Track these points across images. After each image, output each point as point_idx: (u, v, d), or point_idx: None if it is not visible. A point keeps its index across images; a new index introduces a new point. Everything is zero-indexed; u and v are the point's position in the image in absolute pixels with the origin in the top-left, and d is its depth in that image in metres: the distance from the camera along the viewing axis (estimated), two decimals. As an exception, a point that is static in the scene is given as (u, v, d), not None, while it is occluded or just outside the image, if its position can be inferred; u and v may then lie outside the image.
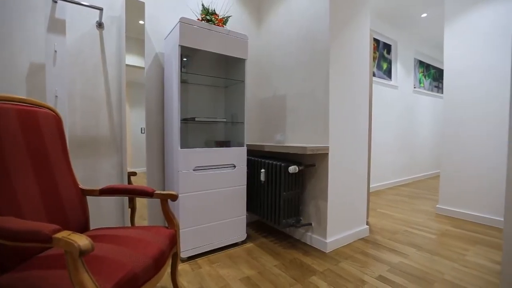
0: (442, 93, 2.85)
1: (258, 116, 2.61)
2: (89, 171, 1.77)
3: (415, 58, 4.89)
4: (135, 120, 3.42)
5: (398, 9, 3.80)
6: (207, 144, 2.18)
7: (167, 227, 1.26)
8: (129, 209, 1.96)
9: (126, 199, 1.88)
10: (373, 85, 3.94)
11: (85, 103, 1.75)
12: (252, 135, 2.58)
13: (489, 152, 2.49)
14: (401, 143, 4.55)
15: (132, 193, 1.30)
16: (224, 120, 2.22)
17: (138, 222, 2.12)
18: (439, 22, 4.18)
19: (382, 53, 4.25)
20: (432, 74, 5.49)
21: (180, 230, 1.70)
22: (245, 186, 2.01)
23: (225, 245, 1.93)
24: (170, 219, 1.28)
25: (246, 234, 2.04)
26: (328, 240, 1.91)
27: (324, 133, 1.90)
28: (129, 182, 1.97)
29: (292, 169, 1.85)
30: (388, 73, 4.35)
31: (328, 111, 1.87)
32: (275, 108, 2.39)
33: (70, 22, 1.67)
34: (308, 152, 1.72)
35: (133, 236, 1.09)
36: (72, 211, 1.19)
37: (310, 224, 2.02)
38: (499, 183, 2.42)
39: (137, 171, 2.13)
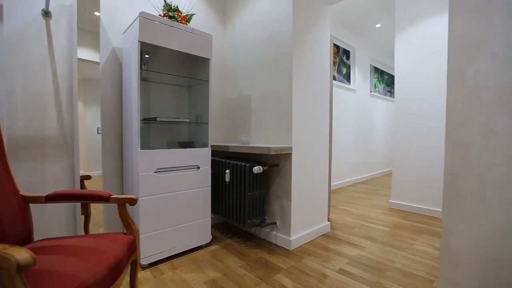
0: (394, 97, 3.11)
1: (223, 116, 2.59)
2: (34, 176, 1.59)
3: (371, 65, 5.27)
4: (91, 119, 3.17)
5: (356, 18, 4.06)
6: (170, 145, 2.10)
7: (125, 233, 1.19)
8: (82, 216, 1.81)
9: (78, 205, 1.73)
10: (334, 88, 4.16)
11: (28, 100, 1.57)
12: (217, 136, 2.55)
13: (433, 151, 2.78)
14: (359, 143, 4.87)
15: (85, 199, 1.20)
16: (188, 120, 2.16)
17: (93, 229, 1.97)
18: (391, 33, 4.56)
19: (342, 58, 4.50)
20: (386, 80, 5.97)
21: (140, 236, 1.61)
22: (210, 188, 1.98)
23: (189, 248, 1.88)
24: (128, 225, 1.21)
25: (211, 236, 2.01)
26: (292, 237, 1.96)
27: (287, 133, 1.96)
28: (82, 186, 1.81)
29: (257, 169, 1.87)
30: (347, 77, 4.63)
31: (291, 112, 1.93)
32: (240, 108, 2.40)
33: (10, 7, 1.49)
34: (272, 153, 1.75)
35: (86, 245, 1.01)
36: (11, 221, 1.06)
37: (275, 223, 2.06)
38: (440, 179, 2.72)
39: (92, 175, 1.98)
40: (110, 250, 1.00)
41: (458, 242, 1.20)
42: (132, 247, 1.14)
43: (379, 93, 5.62)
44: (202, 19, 2.40)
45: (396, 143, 3.08)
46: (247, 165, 1.91)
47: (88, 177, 1.87)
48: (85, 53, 2.03)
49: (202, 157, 1.92)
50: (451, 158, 1.21)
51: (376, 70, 5.53)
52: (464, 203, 1.18)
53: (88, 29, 1.87)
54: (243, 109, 2.36)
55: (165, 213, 1.73)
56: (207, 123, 2.00)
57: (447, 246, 1.23)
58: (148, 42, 1.62)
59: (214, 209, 2.27)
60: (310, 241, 2.11)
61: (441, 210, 2.69)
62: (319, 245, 2.04)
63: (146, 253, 1.65)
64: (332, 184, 4.14)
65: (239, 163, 1.99)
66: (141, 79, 1.81)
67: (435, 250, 1.95)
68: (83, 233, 1.84)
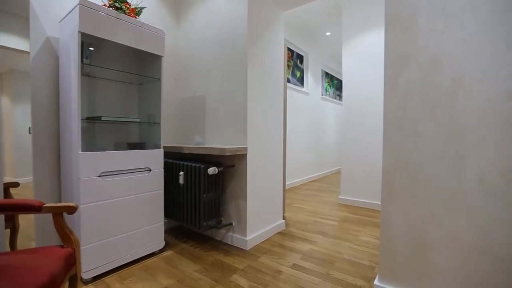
0: (342, 100, 3.36)
1: (177, 117, 2.49)
2: None
3: (322, 70, 5.62)
4: (21, 117, 2.77)
5: (308, 25, 4.29)
6: (118, 147, 1.95)
7: (62, 246, 1.06)
8: (8, 230, 1.57)
9: (2, 217, 1.50)
10: (288, 91, 4.32)
11: None
12: (171, 137, 2.45)
13: (376, 151, 3.07)
14: (312, 143, 5.15)
15: (9, 209, 1.04)
16: (138, 120, 2.03)
17: (24, 245, 1.73)
18: (339, 41, 4.92)
19: (296, 62, 4.71)
20: (335, 84, 6.43)
21: (82, 247, 1.46)
22: (163, 191, 1.89)
23: (140, 256, 1.76)
24: (66, 236, 1.08)
25: (164, 242, 1.92)
26: (248, 237, 1.98)
27: (242, 134, 1.97)
28: (8, 195, 1.57)
29: (212, 170, 1.85)
30: (301, 81, 4.86)
31: (246, 113, 1.95)
32: (194, 109, 2.34)
33: None
34: (227, 153, 1.75)
35: (12, 264, 0.88)
36: None
37: (231, 224, 2.06)
38: (381, 175, 3.02)
39: (23, 181, 1.73)
40: (42, 267, 0.88)
41: (393, 230, 1.34)
42: (71, 261, 1.03)
43: (329, 96, 6.02)
44: (153, 13, 2.28)
45: (344, 143, 3.34)
46: (202, 166, 1.87)
47: (16, 184, 1.63)
48: (11, 41, 1.77)
49: (154, 159, 1.82)
50: (387, 157, 1.35)
51: (327, 75, 5.91)
52: (397, 196, 1.32)
53: (14, 12, 1.63)
54: (198, 110, 2.31)
55: (111, 221, 1.59)
56: (159, 123, 1.91)
57: (385, 234, 1.37)
58: (90, 33, 1.48)
59: (168, 213, 2.17)
60: (266, 240, 2.16)
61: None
62: (274, 243, 2.10)
63: (89, 266, 1.50)
64: (287, 183, 4.30)
65: (193, 164, 1.94)
66: (82, 74, 1.64)
67: (376, 239, 2.16)
68: (9, 250, 1.59)
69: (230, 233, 2.07)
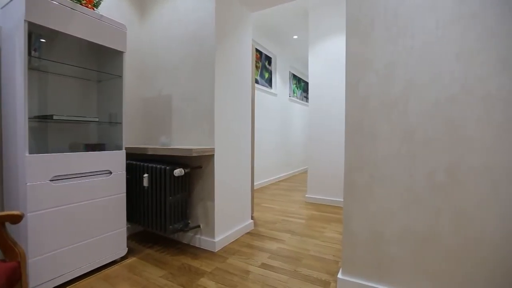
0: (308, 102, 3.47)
1: (141, 116, 2.38)
2: None
3: (290, 72, 5.76)
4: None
5: (276, 28, 4.36)
6: (73, 148, 1.80)
7: (4, 261, 0.95)
8: None
9: None
10: (257, 92, 4.36)
11: None
12: (135, 138, 2.32)
13: (340, 150, 3.22)
14: (280, 143, 5.25)
15: None
16: (97, 119, 1.89)
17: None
18: (306, 44, 5.09)
19: (265, 63, 4.77)
20: (302, 86, 6.63)
21: (31, 260, 1.32)
22: (125, 194, 1.79)
23: (100, 265, 1.65)
24: (9, 249, 0.97)
25: (126, 249, 1.81)
26: (217, 239, 1.96)
27: (210, 135, 1.94)
28: None
29: (178, 172, 1.79)
30: (269, 82, 4.93)
31: (213, 113, 1.93)
32: (160, 108, 2.25)
33: None
34: (194, 154, 1.71)
35: None
36: None
37: (199, 226, 2.01)
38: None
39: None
40: (-22, 284, 0.78)
41: (354, 225, 1.42)
42: (15, 276, 0.92)
43: (297, 98, 6.20)
44: (114, 7, 2.15)
45: (310, 143, 3.45)
46: (168, 168, 1.81)
47: None
48: None
49: (115, 160, 1.71)
50: (348, 156, 1.42)
51: (294, 77, 6.08)
52: (358, 192, 1.40)
53: None
54: (163, 109, 2.22)
55: (66, 229, 1.46)
56: (121, 123, 1.80)
57: (347, 229, 1.44)
58: (39, 23, 1.34)
59: (131, 218, 2.06)
60: (234, 241, 2.15)
61: (345, 200, 3.16)
62: (243, 244, 2.10)
63: (40, 280, 1.36)
64: (256, 183, 4.33)
65: (158, 166, 1.86)
66: (30, 68, 1.49)
67: (340, 235, 2.27)
68: None
69: (198, 236, 2.03)
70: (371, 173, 1.36)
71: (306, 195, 3.50)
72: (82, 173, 1.54)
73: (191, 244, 2.07)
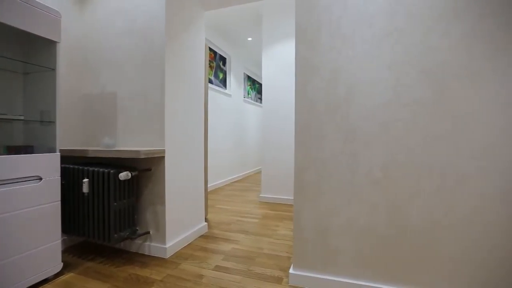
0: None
1: (81, 115, 2.14)
2: None
3: (244, 73, 5.82)
4: None
5: (231, 29, 4.36)
6: (-9, 151, 1.53)
7: None
8: None
9: None
10: (211, 92, 4.30)
11: None
12: (73, 139, 2.08)
13: (292, 150, 3.37)
14: (235, 144, 5.26)
15: None
16: (22, 117, 1.65)
17: None
18: (260, 47, 5.20)
19: (219, 64, 4.73)
20: (257, 88, 6.76)
21: None
22: (59, 203, 1.58)
23: (28, 286, 1.43)
24: None
25: (61, 264, 1.61)
26: (168, 245, 1.87)
27: (160, 135, 1.85)
28: None
29: (124, 175, 1.66)
30: (223, 83, 4.90)
31: (163, 113, 1.84)
32: (103, 107, 2.06)
33: None
34: (142, 156, 1.60)
35: None
36: None
37: (148, 233, 1.90)
38: (296, 172, 3.34)
39: None
40: None
41: (304, 221, 1.50)
42: None
43: (251, 99, 6.29)
44: (46, -9, 1.89)
45: (264, 143, 3.53)
46: (112, 171, 1.66)
47: None
48: None
49: (46, 165, 1.51)
50: (298, 155, 1.50)
51: (249, 78, 6.16)
52: (307, 190, 1.48)
53: None
54: (107, 108, 2.04)
55: (-21, 246, 1.24)
56: (54, 122, 1.59)
57: (297, 225, 1.51)
58: None
59: (68, 229, 1.84)
60: (187, 245, 2.08)
61: (296, 198, 3.31)
62: (196, 247, 2.04)
63: None
64: (210, 184, 4.26)
65: (101, 169, 1.70)
66: None
67: (292, 232, 2.37)
68: None
69: (148, 243, 1.91)
70: (318, 172, 1.45)
71: (260, 195, 3.57)
72: (2, 180, 1.32)
73: (139, 252, 1.93)
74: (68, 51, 2.03)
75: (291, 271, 1.52)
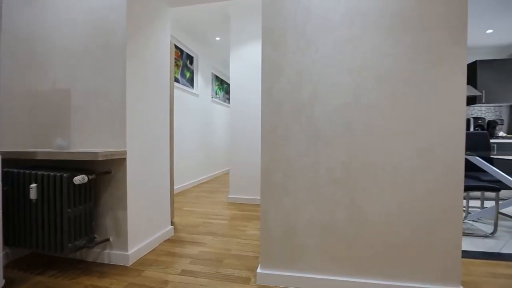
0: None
1: (27, 114, 1.93)
2: None
3: (212, 73, 5.74)
4: None
5: (199, 28, 4.27)
6: None
7: None
8: None
9: None
10: (178, 91, 4.17)
11: None
12: (18, 140, 1.86)
13: (259, 150, 3.40)
14: (203, 145, 5.17)
15: None
16: (-46, 115, 1.44)
17: None
18: (228, 47, 5.17)
19: (186, 62, 4.60)
20: (225, 88, 6.71)
21: None
22: (0, 211, 1.41)
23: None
24: None
25: (3, 280, 1.44)
26: (130, 251, 1.77)
27: (121, 135, 1.74)
28: None
29: (79, 179, 1.54)
30: (191, 82, 4.78)
31: (125, 112, 1.74)
32: (55, 105, 1.88)
33: None
34: (101, 158, 1.50)
35: None
36: None
37: (108, 240, 1.78)
38: (264, 172, 3.38)
39: None
40: None
41: (270, 221, 1.52)
42: None
43: (219, 99, 6.23)
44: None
45: (232, 144, 3.52)
46: (66, 175, 1.53)
47: None
48: None
49: (-17, 169, 1.33)
50: (264, 156, 1.52)
51: (217, 78, 6.09)
52: (273, 190, 1.51)
53: None
54: (60, 106, 1.87)
55: None
56: (-7, 121, 1.42)
57: (264, 225, 1.53)
58: None
59: (12, 241, 1.64)
60: (152, 250, 1.99)
61: (265, 198, 3.36)
62: (161, 252, 1.96)
63: None
64: (177, 186, 4.13)
65: (52, 173, 1.55)
66: None
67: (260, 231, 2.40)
68: None
69: (107, 251, 1.79)
70: (284, 171, 1.49)
71: (229, 196, 3.55)
72: None
73: (98, 261, 1.80)
74: (11, 42, 1.82)
75: (258, 270, 1.53)
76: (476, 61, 4.12)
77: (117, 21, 1.75)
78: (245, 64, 3.43)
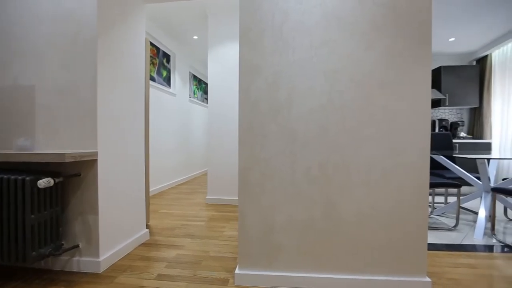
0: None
1: (-16, 111, 1.77)
2: None
3: (190, 72, 5.63)
4: None
5: (176, 26, 4.17)
6: None
7: None
8: None
9: None
10: (154, 90, 4.05)
11: None
12: (-28, 140, 1.71)
13: (237, 151, 3.39)
14: (180, 146, 5.05)
15: None
16: None
17: None
18: (206, 46, 5.10)
19: (162, 61, 4.48)
20: (203, 88, 6.61)
21: None
22: (-48, 219, 1.28)
23: None
24: None
25: (-44, 294, 1.31)
26: (102, 257, 1.68)
27: (91, 136, 1.66)
28: None
29: (44, 182, 1.44)
30: (167, 81, 4.66)
31: (96, 111, 1.65)
32: (17, 102, 1.74)
33: None
34: (68, 160, 1.41)
35: None
36: None
37: (77, 246, 1.68)
38: (242, 173, 3.38)
39: None
40: None
41: (248, 221, 1.52)
42: None
43: (197, 99, 6.13)
44: None
45: (210, 145, 3.48)
46: (28, 178, 1.42)
47: None
48: None
49: None
50: (242, 155, 1.51)
51: (195, 77, 5.98)
52: (251, 189, 1.51)
53: None
54: (22, 104, 1.73)
55: None
56: None
57: (242, 225, 1.53)
58: None
59: (-35, 251, 1.50)
60: (126, 256, 1.91)
61: (243, 198, 3.35)
62: (136, 257, 1.89)
63: None
64: (153, 188, 4.01)
65: (13, 176, 1.44)
66: None
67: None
68: None
69: (77, 258, 1.69)
70: (262, 170, 1.50)
71: (207, 197, 3.51)
72: None
73: (66, 270, 1.70)
74: (-35, 34, 1.66)
75: (236, 271, 1.53)
76: (440, 66, 4.41)
77: (86, 15, 1.66)
78: (223, 64, 3.41)
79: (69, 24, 1.68)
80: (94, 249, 1.68)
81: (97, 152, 1.64)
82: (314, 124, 1.45)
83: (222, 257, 1.89)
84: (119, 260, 1.84)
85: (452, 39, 4.03)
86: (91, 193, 1.66)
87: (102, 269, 1.68)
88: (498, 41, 3.95)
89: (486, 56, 4.31)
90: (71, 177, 1.66)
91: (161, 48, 4.41)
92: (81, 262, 1.68)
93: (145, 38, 2.32)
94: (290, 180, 1.47)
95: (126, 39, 1.96)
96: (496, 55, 4.18)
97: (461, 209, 3.16)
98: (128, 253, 1.94)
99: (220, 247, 2.06)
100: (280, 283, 1.49)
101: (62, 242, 1.66)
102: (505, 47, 4.00)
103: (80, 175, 1.66)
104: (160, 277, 1.62)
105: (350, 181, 1.44)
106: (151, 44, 4.07)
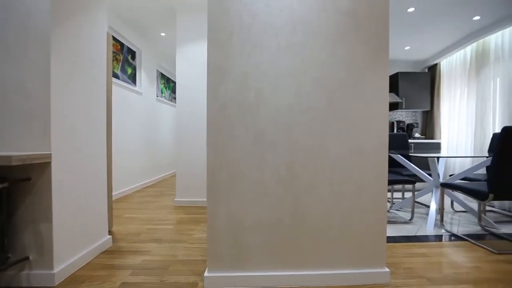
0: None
1: None
2: None
3: (157, 70, 5.42)
4: None
5: (142, 21, 3.98)
6: None
7: None
8: None
9: None
10: (118, 88, 3.83)
11: None
12: None
13: (205, 151, 3.33)
14: (146, 147, 4.84)
15: None
16: None
17: None
18: (174, 44, 4.95)
19: (127, 57, 4.25)
20: (171, 87, 6.41)
21: None
22: None
23: None
24: None
25: None
26: (56, 269, 1.55)
27: (44, 137, 1.51)
28: None
29: (-13, 189, 1.28)
30: (133, 79, 4.44)
31: (49, 110, 1.51)
32: (-49, 98, 1.53)
33: None
34: (15, 163, 1.27)
35: None
36: None
37: (27, 258, 1.52)
38: (212, 174, 3.33)
39: None
40: None
41: (217, 222, 1.51)
42: None
43: (165, 98, 5.92)
44: None
45: (178, 146, 3.38)
46: (-34, 184, 1.26)
47: None
48: None
49: None
50: (210, 156, 1.50)
51: (162, 76, 5.77)
52: (220, 191, 1.50)
53: None
54: (-42, 100, 1.53)
55: None
56: None
57: (211, 227, 1.51)
58: None
59: None
60: (85, 265, 1.78)
61: (213, 199, 3.31)
62: (97, 266, 1.77)
63: None
64: (117, 192, 3.78)
65: None
66: None
67: (208, 234, 2.35)
68: None
69: (26, 271, 1.53)
70: (230, 172, 1.49)
71: (175, 199, 3.40)
72: None
73: (13, 286, 1.53)
74: None
75: (206, 274, 1.50)
76: (398, 72, 4.77)
77: (38, 4, 1.51)
78: (192, 63, 3.34)
79: (14, 15, 1.51)
80: (47, 261, 1.53)
81: (50, 154, 1.51)
82: (282, 125, 1.48)
83: (191, 260, 1.85)
84: (77, 270, 1.71)
85: (408, 47, 4.38)
86: (44, 199, 1.52)
87: (57, 281, 1.54)
88: (445, 51, 4.39)
89: (436, 64, 4.76)
90: (19, 182, 1.50)
91: (126, 44, 4.19)
92: (32, 276, 1.52)
93: (107, 32, 2.18)
94: (259, 180, 1.49)
95: (84, 32, 1.82)
96: (444, 64, 4.64)
97: (416, 204, 3.44)
98: (87, 262, 1.81)
99: (189, 251, 2.01)
100: (250, 283, 1.49)
101: (8, 255, 1.49)
102: (451, 57, 4.45)
103: (30, 179, 1.51)
104: (123, 285, 1.54)
105: (316, 180, 1.49)
106: (114, 39, 3.84)
